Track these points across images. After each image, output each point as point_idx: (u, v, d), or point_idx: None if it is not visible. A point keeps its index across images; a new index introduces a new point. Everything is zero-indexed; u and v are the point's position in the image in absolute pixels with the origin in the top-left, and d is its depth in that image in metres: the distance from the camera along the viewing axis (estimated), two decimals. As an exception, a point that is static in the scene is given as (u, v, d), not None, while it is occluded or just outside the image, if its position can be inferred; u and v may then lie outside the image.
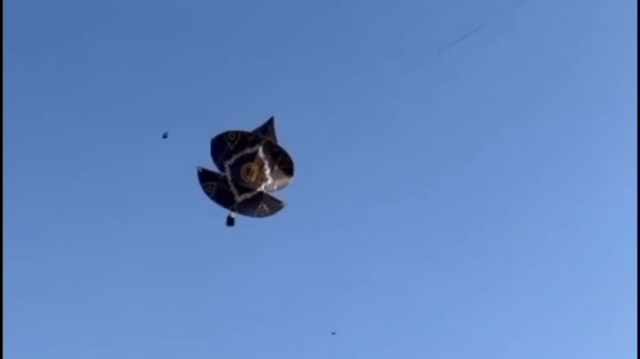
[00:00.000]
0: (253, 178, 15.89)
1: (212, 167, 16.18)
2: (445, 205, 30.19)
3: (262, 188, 15.96)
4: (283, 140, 16.06)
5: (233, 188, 15.97)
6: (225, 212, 15.97)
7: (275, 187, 16.10)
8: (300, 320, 28.87)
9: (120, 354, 27.39)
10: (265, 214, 16.10)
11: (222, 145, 15.97)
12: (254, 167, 15.89)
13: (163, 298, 28.41)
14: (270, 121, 16.00)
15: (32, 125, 29.28)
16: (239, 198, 15.96)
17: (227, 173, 15.96)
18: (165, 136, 16.68)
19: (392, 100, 28.29)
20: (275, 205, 16.13)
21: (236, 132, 16.00)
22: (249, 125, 16.15)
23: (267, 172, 15.96)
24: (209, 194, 16.03)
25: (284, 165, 16.09)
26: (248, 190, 15.94)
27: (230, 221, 15.93)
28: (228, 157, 15.95)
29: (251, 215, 16.06)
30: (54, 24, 29.89)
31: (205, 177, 16.07)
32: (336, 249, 29.55)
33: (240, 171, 15.92)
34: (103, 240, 28.58)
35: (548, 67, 30.11)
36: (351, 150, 29.45)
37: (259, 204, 16.02)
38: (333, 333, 24.39)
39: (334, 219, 29.33)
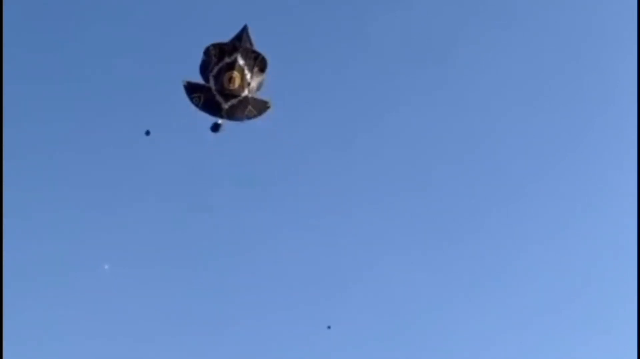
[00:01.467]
0: (236, 85, 16.69)
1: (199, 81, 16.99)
2: (445, 198, 30.15)
3: (246, 92, 16.79)
4: (259, 45, 16.79)
5: (219, 97, 16.76)
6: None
7: (256, 90, 16.94)
8: (295, 314, 28.80)
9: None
10: (254, 115, 16.95)
11: (208, 59, 16.80)
12: (235, 74, 16.65)
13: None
14: (244, 29, 16.75)
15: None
16: (225, 105, 16.75)
17: (212, 84, 16.77)
18: (147, 133, 17.38)
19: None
20: (261, 106, 16.99)
21: (214, 45, 16.75)
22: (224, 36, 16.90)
23: (248, 76, 16.75)
24: (196, 105, 16.84)
25: (260, 65, 16.86)
26: (233, 96, 16.74)
27: (215, 128, 16.75)
28: (211, 70, 16.77)
29: (240, 119, 16.95)
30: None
31: (191, 89, 16.87)
32: (332, 242, 29.55)
33: (223, 80, 16.70)
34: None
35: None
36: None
37: (246, 107, 16.86)
38: (328, 327, 24.40)
39: (331, 211, 29.59)
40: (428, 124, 30.46)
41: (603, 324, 28.80)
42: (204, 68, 16.89)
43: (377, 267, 29.34)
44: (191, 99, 16.81)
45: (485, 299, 29.51)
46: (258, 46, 16.76)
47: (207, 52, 16.75)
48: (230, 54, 16.65)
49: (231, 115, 16.79)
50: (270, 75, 16.98)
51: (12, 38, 27.33)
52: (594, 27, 30.26)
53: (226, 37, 16.95)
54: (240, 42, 16.67)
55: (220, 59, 16.68)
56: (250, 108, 16.85)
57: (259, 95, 16.94)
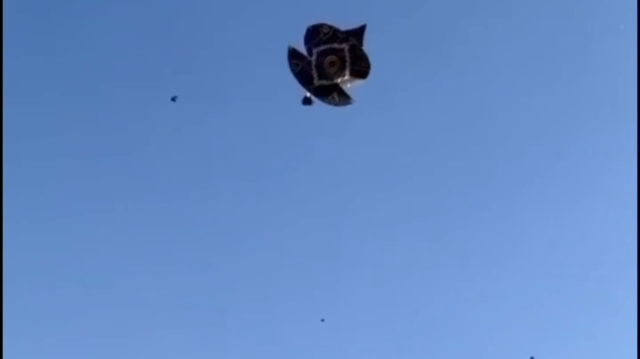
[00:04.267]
0: (333, 70, 17.79)
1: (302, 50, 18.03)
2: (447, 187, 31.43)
3: (338, 80, 17.90)
4: (369, 50, 17.81)
5: (315, 72, 17.90)
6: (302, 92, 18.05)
7: (348, 85, 18.03)
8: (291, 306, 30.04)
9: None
10: (335, 104, 18.12)
11: (316, 34, 17.84)
12: (337, 60, 17.76)
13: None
14: (362, 27, 17.78)
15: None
16: (317, 82, 17.93)
17: (313, 59, 17.86)
18: (174, 99, 18.53)
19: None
20: (345, 99, 18.12)
21: (330, 27, 17.82)
22: (343, 24, 17.92)
23: (347, 69, 17.82)
24: (293, 71, 17.98)
25: (362, 68, 17.85)
26: (327, 77, 17.88)
27: (307, 101, 18.02)
28: (317, 45, 17.82)
29: (322, 100, 18.12)
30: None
31: (293, 55, 18.00)
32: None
33: (325, 60, 17.79)
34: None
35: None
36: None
37: (332, 93, 18.01)
38: (322, 320, 25.54)
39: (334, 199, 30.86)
40: (430, 110, 31.47)
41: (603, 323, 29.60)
42: (309, 39, 17.86)
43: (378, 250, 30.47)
44: (290, 64, 17.92)
45: (488, 286, 30.52)
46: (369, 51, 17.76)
47: (317, 28, 17.76)
48: (341, 41, 17.69)
49: (317, 92, 17.95)
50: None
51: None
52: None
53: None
54: (354, 36, 17.68)
55: (331, 40, 17.71)
56: (335, 96, 17.95)
57: (348, 90, 17.96)
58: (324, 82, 17.92)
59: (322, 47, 17.83)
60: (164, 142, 31.20)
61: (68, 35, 31.18)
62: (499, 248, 31.42)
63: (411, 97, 31.14)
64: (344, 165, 31.31)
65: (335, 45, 17.82)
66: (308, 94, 17.96)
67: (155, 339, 28.94)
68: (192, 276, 30.06)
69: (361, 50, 17.88)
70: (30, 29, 31.04)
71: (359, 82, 18.06)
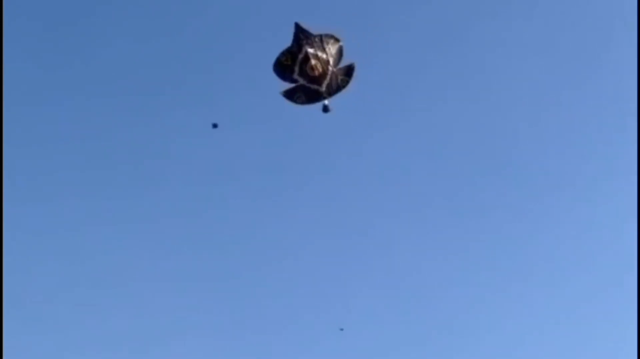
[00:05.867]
0: (320, 69, 18.97)
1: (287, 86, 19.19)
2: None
3: (330, 69, 19.06)
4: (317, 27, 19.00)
5: (313, 86, 19.11)
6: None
7: (338, 60, 19.14)
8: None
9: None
10: (347, 81, 19.27)
11: (283, 69, 19.04)
12: (313, 62, 18.88)
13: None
14: (296, 27, 18.86)
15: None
16: (322, 88, 19.13)
17: (301, 81, 19.08)
18: (215, 126, 19.14)
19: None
20: (348, 70, 19.27)
21: (283, 53, 18.99)
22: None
23: (324, 56, 18.98)
24: (302, 103, 19.24)
25: (330, 41, 19.03)
26: (324, 77, 19.05)
27: (325, 109, 19.18)
28: (292, 72, 19.04)
29: (339, 90, 19.25)
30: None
31: (289, 94, 19.26)
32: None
33: (308, 72, 18.99)
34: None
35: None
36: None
37: (338, 79, 19.18)
38: (341, 329, 25.97)
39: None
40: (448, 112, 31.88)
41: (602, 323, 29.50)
42: (285, 76, 19.10)
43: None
44: (295, 101, 19.20)
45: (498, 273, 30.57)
46: (316, 29, 18.95)
47: (278, 63, 18.97)
48: (299, 51, 18.86)
49: (331, 92, 19.12)
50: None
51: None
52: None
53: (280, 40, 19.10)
54: (299, 40, 18.83)
55: (294, 60, 18.89)
56: (341, 77, 19.13)
57: (342, 64, 19.13)
58: (326, 81, 19.08)
59: (296, 69, 18.99)
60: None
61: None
62: (523, 254, 31.59)
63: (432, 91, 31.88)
64: (363, 171, 31.92)
65: (300, 57, 18.97)
66: (325, 102, 19.10)
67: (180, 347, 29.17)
68: (213, 285, 30.50)
69: (316, 35, 18.95)
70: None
71: (338, 45, 19.08)
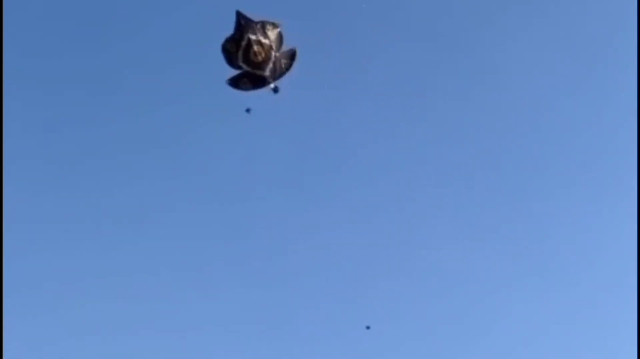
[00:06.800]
0: (263, 55, 19.59)
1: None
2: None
3: (273, 54, 19.67)
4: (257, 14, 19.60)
5: (258, 72, 19.72)
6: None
7: (279, 43, 19.76)
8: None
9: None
10: (290, 65, 19.92)
11: (228, 55, 19.64)
12: (256, 48, 19.50)
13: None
14: (237, 15, 19.46)
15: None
16: (267, 73, 19.75)
17: (245, 67, 19.70)
18: (248, 111, 20.17)
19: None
20: (290, 54, 19.91)
21: (227, 40, 19.61)
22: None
23: (267, 41, 19.60)
24: (248, 89, 19.89)
25: (270, 27, 19.66)
26: (267, 62, 19.68)
27: (275, 90, 19.87)
28: (237, 59, 19.62)
29: (282, 74, 19.91)
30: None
31: (235, 82, 19.88)
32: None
33: (252, 58, 19.58)
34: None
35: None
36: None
37: (281, 63, 19.80)
38: (367, 327, 25.81)
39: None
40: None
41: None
42: (231, 62, 19.68)
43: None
44: (241, 88, 19.81)
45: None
46: (256, 15, 19.50)
47: (224, 50, 19.59)
48: (241, 38, 19.43)
49: (275, 76, 19.74)
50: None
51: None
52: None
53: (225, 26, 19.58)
54: (241, 27, 19.39)
55: (237, 47, 19.47)
56: (283, 61, 19.76)
57: (284, 48, 19.72)
58: (270, 66, 19.69)
59: (240, 57, 19.57)
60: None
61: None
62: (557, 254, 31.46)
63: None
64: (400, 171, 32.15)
65: (243, 44, 19.53)
66: (272, 85, 19.79)
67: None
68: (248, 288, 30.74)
69: (257, 22, 19.55)
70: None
71: (277, 31, 19.71)
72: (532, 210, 31.85)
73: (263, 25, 19.47)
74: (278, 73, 19.78)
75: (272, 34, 19.59)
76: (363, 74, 31.54)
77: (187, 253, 30.60)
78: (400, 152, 32.21)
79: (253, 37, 19.37)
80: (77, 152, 32.03)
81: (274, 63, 19.65)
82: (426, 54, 31.91)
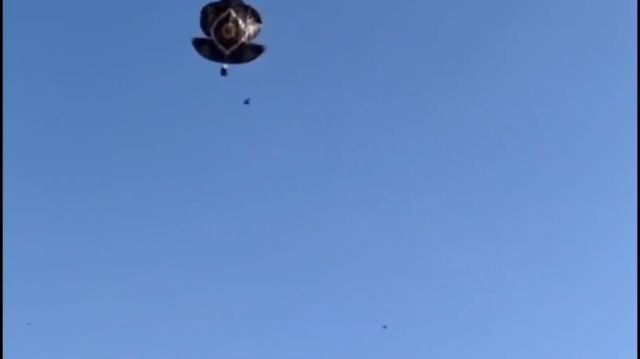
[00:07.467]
0: (232, 34, 19.96)
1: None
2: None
3: (242, 39, 20.06)
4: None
5: (220, 46, 20.08)
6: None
7: (253, 36, 20.13)
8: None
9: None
10: (252, 58, 20.21)
11: (206, 18, 20.17)
12: (230, 25, 19.92)
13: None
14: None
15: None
16: (227, 52, 20.06)
17: (213, 37, 20.08)
18: (247, 102, 20.50)
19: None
20: (258, 50, 20.21)
21: (210, 4, 20.09)
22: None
23: (243, 26, 19.96)
24: (205, 56, 20.21)
25: (253, 16, 20.08)
26: (232, 43, 20.01)
27: (223, 72, 20.09)
28: (210, 26, 20.06)
29: (240, 61, 20.18)
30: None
31: (198, 43, 20.27)
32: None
33: (222, 32, 19.98)
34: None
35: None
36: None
37: (245, 52, 20.11)
38: (384, 327, 26.38)
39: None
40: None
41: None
42: (204, 25, 20.08)
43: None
44: (199, 51, 20.12)
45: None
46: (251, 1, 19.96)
47: (204, 11, 20.02)
48: (224, 10, 19.91)
49: (233, 59, 20.00)
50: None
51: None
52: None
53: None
54: (230, 0, 19.90)
55: (216, 15, 19.93)
56: (249, 52, 20.06)
57: (255, 42, 20.08)
58: (234, 47, 20.05)
59: (214, 24, 20.01)
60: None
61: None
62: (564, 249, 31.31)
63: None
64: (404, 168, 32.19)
65: (222, 15, 20.01)
66: (224, 66, 20.05)
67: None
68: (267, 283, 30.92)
69: (244, 5, 20.10)
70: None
71: (258, 27, 20.15)
72: (532, 210, 31.72)
73: (252, 12, 19.93)
74: (237, 59, 20.04)
75: (253, 26, 19.99)
76: (363, 74, 31.68)
77: (193, 247, 31.01)
78: (400, 152, 32.24)
79: (233, 15, 19.85)
80: (81, 149, 32.46)
81: (240, 48, 19.93)
82: (426, 54, 31.97)
